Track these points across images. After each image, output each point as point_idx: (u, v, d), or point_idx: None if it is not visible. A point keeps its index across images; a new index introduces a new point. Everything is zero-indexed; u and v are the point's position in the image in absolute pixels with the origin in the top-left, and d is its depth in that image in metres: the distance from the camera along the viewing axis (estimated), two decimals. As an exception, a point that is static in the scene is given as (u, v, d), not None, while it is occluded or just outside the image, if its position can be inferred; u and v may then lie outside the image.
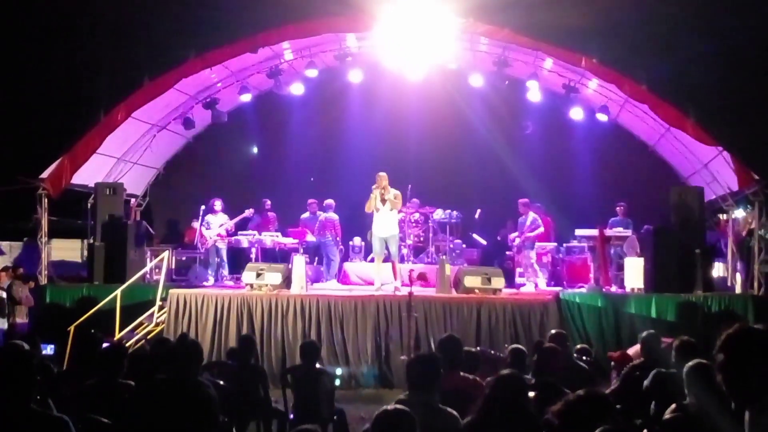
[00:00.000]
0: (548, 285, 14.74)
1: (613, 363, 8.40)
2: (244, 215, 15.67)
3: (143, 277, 14.22)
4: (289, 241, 15.54)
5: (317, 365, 8.20)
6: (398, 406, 3.96)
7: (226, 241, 15.37)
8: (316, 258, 15.88)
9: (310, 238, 15.51)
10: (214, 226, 15.25)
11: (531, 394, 5.34)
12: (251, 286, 13.18)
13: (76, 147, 14.35)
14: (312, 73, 15.87)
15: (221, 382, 7.07)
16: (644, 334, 7.89)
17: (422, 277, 12.77)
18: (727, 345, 3.11)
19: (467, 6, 13.91)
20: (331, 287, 14.64)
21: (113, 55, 18.71)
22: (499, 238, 17.38)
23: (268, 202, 16.93)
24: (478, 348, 9.92)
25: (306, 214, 16.24)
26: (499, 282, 13.06)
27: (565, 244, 15.70)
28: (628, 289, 13.31)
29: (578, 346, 9.10)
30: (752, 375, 2.99)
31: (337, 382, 11.46)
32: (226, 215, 15.41)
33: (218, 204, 15.39)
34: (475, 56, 15.87)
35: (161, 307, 12.95)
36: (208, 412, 5.40)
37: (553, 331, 8.88)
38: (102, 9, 19.20)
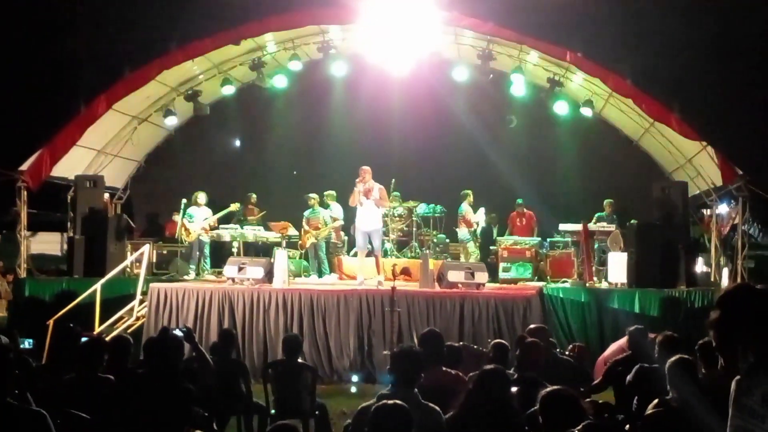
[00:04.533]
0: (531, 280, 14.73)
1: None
2: (229, 209, 15.41)
3: (123, 270, 14.08)
4: (271, 235, 15.41)
5: (299, 360, 8.13)
6: (396, 401, 3.98)
7: (209, 235, 15.13)
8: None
9: (292, 231, 15.36)
10: (197, 219, 14.95)
11: (513, 389, 5.32)
12: (233, 280, 13.09)
13: (56, 139, 14.21)
14: (295, 65, 15.76)
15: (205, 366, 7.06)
16: (631, 328, 7.86)
17: (405, 272, 12.71)
18: (723, 301, 3.03)
19: (451, -2, 13.89)
20: (314, 281, 14.56)
21: (94, 46, 18.57)
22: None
23: (254, 197, 16.75)
24: (461, 343, 9.85)
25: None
26: (482, 277, 13.02)
27: (548, 239, 15.70)
28: (611, 284, 13.31)
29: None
30: (743, 333, 2.91)
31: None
32: (210, 209, 15.18)
33: (202, 197, 15.08)
34: (460, 49, 15.83)
35: (141, 301, 12.83)
36: (187, 406, 5.38)
37: (532, 326, 8.55)
38: (83, -1, 19.06)
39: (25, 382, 5.18)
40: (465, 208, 15.64)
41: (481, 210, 15.95)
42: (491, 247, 16.26)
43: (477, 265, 13.60)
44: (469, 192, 15.69)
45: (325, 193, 15.63)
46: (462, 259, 15.22)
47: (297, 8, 14.56)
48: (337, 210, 15.55)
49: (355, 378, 11.74)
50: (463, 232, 15.63)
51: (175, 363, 5.66)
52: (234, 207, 15.39)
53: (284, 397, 7.75)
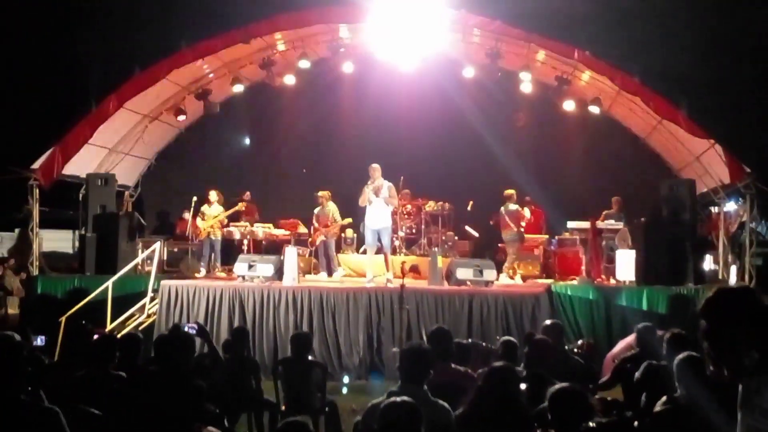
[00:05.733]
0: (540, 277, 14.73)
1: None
2: (236, 208, 15.55)
3: (135, 268, 14.17)
4: (281, 233, 15.47)
5: (309, 357, 8.18)
6: (405, 398, 3.99)
7: (220, 233, 15.21)
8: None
9: (302, 229, 15.43)
10: (208, 217, 15.08)
11: (522, 386, 5.35)
12: (243, 277, 13.16)
13: (68, 137, 14.27)
14: (305, 64, 15.77)
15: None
16: (640, 326, 7.85)
17: (414, 269, 12.74)
18: (707, 309, 3.03)
19: (460, -4, 13.92)
20: (323, 279, 14.61)
21: (105, 45, 18.64)
22: (491, 222, 17.25)
23: (248, 194, 16.81)
24: (470, 340, 9.89)
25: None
26: (490, 274, 13.05)
27: (557, 237, 15.70)
28: (619, 282, 13.32)
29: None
30: (740, 334, 2.90)
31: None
32: (222, 207, 15.27)
33: (213, 195, 15.21)
34: (468, 48, 15.82)
35: (153, 299, 12.91)
36: (197, 403, 5.42)
37: (548, 322, 8.70)
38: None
39: (37, 378, 5.22)
40: (513, 206, 14.82)
41: (526, 210, 15.42)
42: (500, 245, 16.25)
43: (485, 262, 13.62)
44: (513, 191, 14.96)
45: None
46: (507, 263, 14.67)
47: (306, 7, 14.60)
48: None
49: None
50: (511, 233, 14.76)
51: (185, 360, 5.69)
52: (242, 206, 15.52)
53: (294, 394, 7.79)
